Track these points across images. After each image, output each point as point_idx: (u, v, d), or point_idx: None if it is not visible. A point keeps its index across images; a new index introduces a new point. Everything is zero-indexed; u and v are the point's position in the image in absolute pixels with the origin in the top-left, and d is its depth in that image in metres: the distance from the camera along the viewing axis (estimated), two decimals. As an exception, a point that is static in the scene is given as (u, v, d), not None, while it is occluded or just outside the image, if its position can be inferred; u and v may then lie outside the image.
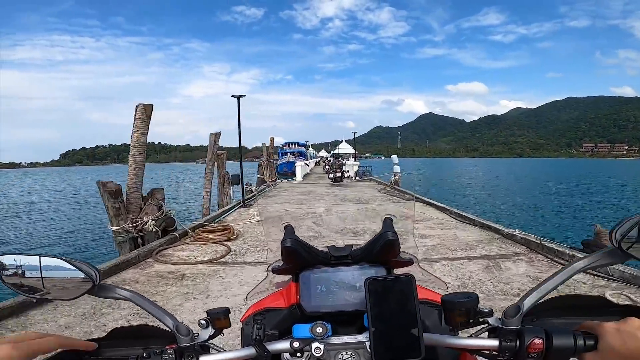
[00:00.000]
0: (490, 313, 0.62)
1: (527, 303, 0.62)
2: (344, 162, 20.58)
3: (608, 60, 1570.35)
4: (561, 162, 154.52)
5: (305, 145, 65.55)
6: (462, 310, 0.61)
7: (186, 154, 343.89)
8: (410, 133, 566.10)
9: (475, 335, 0.66)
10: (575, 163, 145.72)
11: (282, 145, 64.98)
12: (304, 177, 22.64)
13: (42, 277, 0.65)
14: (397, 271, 0.87)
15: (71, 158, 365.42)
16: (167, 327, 0.68)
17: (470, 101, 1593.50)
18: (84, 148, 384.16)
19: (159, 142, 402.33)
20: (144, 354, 0.63)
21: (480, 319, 0.62)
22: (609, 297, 3.29)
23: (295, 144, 62.34)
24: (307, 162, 33.17)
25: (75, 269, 0.65)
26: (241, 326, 0.86)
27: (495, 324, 0.62)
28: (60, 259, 0.66)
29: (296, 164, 16.16)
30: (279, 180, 19.80)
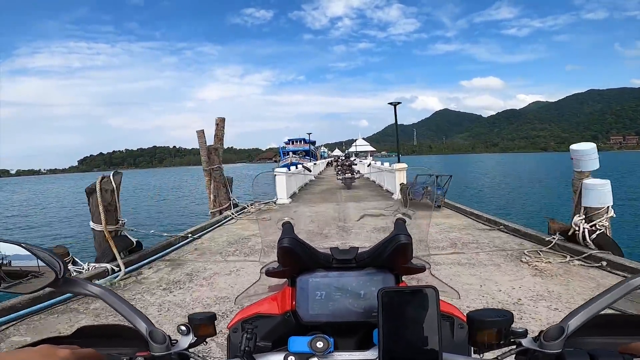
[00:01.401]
0: (525, 334, 0.56)
1: (573, 324, 0.54)
2: (354, 161, 18.86)
3: (628, 51, 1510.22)
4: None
5: (312, 143, 56.27)
6: (492, 330, 0.55)
7: (199, 157, 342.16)
8: (425, 130, 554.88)
9: (502, 358, 0.58)
10: (606, 156, 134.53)
11: (284, 143, 56.02)
12: (304, 190, 13.52)
13: None
14: (407, 278, 0.82)
15: (89, 164, 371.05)
16: (140, 331, 0.61)
17: (486, 96, 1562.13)
18: (101, 153, 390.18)
19: (174, 146, 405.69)
20: None
21: (512, 340, 0.57)
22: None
23: (300, 142, 53.39)
24: (312, 162, 27.93)
25: (35, 258, 0.57)
26: (228, 333, 0.77)
27: (529, 346, 0.55)
28: (19, 245, 0.57)
29: (276, 175, 10.26)
30: (247, 206, 9.19)
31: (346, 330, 0.71)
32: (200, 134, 8.99)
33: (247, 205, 9.21)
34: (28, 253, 0.56)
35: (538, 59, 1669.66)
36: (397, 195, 9.90)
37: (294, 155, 41.76)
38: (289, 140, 55.74)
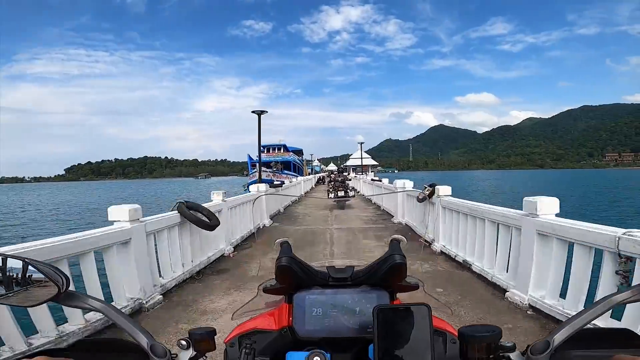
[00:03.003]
0: (513, 348, 0.59)
1: (558, 338, 0.57)
2: (348, 176, 16.54)
3: (619, 67, 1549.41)
4: (588, 173, 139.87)
5: (298, 152, 43.18)
6: (482, 344, 0.58)
7: (191, 168, 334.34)
8: (420, 145, 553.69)
9: None
10: (604, 174, 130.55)
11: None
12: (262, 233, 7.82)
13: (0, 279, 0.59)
14: (401, 295, 0.84)
15: (75, 173, 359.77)
16: (141, 345, 0.62)
17: (480, 112, 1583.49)
18: (89, 162, 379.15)
19: (165, 157, 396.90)
20: None
21: (501, 354, 0.59)
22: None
23: (278, 149, 39.01)
24: (293, 179, 19.43)
25: (39, 272, 0.59)
26: (224, 348, 0.78)
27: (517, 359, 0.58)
28: (23, 260, 0.59)
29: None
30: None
31: (342, 345, 0.73)
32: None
33: None
34: (33, 269, 0.59)
35: (531, 75, 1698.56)
36: (398, 218, 8.54)
37: (269, 171, 29.04)
38: (264, 147, 41.74)
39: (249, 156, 31.46)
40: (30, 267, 0.58)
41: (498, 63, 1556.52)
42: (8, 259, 0.59)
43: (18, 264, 0.59)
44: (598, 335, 0.65)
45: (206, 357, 0.66)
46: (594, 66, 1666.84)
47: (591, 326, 0.62)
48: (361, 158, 30.69)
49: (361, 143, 28.38)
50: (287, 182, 15.14)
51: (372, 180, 14.25)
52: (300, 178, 22.82)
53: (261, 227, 8.42)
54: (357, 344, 0.73)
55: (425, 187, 6.37)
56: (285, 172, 32.60)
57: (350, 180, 15.06)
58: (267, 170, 29.40)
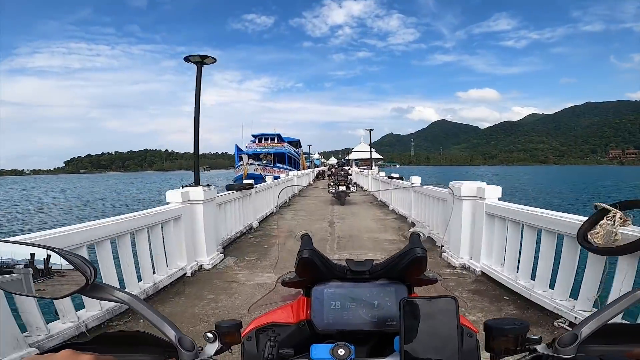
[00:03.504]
0: (539, 340, 0.59)
1: (586, 331, 0.57)
2: (349, 170, 15.09)
3: (622, 64, 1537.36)
4: (594, 170, 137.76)
5: (295, 143, 38.09)
6: (510, 337, 0.59)
7: (191, 161, 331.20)
8: (422, 140, 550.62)
9: None
10: (609, 171, 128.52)
11: (250, 141, 33.60)
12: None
13: (28, 270, 0.58)
14: (418, 289, 0.85)
15: (75, 165, 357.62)
16: (168, 338, 0.61)
17: (482, 108, 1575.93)
18: (89, 155, 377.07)
19: (166, 150, 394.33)
20: None
21: (528, 346, 0.59)
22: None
23: (272, 139, 33.64)
24: (289, 174, 15.62)
25: (67, 263, 0.57)
26: (241, 341, 0.77)
27: (544, 352, 0.59)
28: (52, 250, 0.58)
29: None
30: None
31: (360, 339, 0.73)
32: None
33: None
34: (61, 259, 0.57)
35: (534, 71, 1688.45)
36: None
37: (251, 162, 24.54)
38: (255, 136, 34.32)
39: (237, 147, 27.72)
40: (57, 257, 0.57)
41: (501, 59, 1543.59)
42: (32, 247, 0.58)
43: (45, 254, 0.57)
44: (623, 330, 0.65)
45: (232, 349, 0.66)
46: (598, 63, 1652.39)
47: (616, 322, 0.62)
48: (370, 151, 25.65)
49: (370, 130, 22.30)
50: (282, 177, 12.46)
51: (389, 177, 11.25)
52: (292, 173, 18.49)
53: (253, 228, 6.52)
54: (375, 337, 0.73)
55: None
56: (279, 165, 28.65)
57: (351, 175, 13.98)
58: (256, 163, 25.24)
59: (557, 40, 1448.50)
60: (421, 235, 0.83)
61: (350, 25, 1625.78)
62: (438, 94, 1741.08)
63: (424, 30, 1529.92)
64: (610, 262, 2.51)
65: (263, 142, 33.24)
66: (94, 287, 0.60)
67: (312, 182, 22.40)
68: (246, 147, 31.25)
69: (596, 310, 0.63)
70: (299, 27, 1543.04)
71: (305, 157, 49.73)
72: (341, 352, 0.58)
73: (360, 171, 25.93)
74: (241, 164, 24.32)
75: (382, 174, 13.01)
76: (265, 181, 10.41)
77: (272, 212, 8.65)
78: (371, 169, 31.33)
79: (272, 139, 33.69)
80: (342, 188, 10.53)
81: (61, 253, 0.57)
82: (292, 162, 33.60)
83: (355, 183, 12.94)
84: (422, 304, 0.56)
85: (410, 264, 0.74)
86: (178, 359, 0.59)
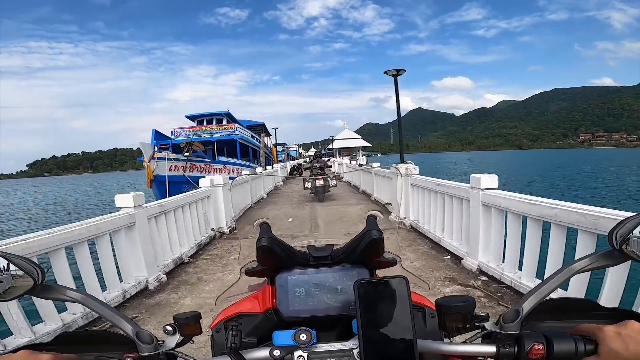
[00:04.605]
0: (487, 318, 0.61)
1: (526, 307, 0.59)
2: (327, 161, 14.33)
3: (587, 52, 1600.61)
4: (566, 153, 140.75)
5: (258, 128, 26.94)
6: (458, 314, 0.60)
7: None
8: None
9: (470, 341, 0.63)
10: (580, 153, 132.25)
11: (174, 130, 20.90)
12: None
13: None
14: (380, 272, 0.84)
15: (39, 168, 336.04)
16: (125, 333, 0.61)
17: (456, 96, 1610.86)
18: (54, 157, 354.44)
19: (138, 148, 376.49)
20: None
21: (477, 324, 0.61)
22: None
23: (218, 120, 22.71)
24: (250, 172, 11.68)
25: (13, 266, 0.56)
26: (210, 334, 0.79)
27: (492, 329, 0.60)
28: None
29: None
30: None
31: (326, 324, 0.74)
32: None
33: None
34: (5, 261, 0.56)
35: (503, 59, 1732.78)
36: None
37: (164, 157, 14.84)
38: (192, 118, 23.49)
39: (155, 133, 18.01)
40: (2, 260, 0.56)
41: (473, 48, 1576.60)
42: None
43: None
44: (563, 306, 0.66)
45: (193, 341, 0.66)
46: (563, 51, 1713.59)
47: (556, 296, 0.64)
48: (345, 140, 21.22)
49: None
50: (208, 182, 6.40)
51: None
52: (245, 172, 13.05)
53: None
54: (341, 321, 0.74)
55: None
56: (222, 160, 19.06)
57: (330, 167, 13.23)
58: (178, 159, 15.35)
59: (525, 29, 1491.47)
60: (378, 217, 0.84)
61: (325, 17, 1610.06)
62: (414, 83, 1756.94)
63: (398, 20, 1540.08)
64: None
65: (205, 124, 22.27)
66: (44, 288, 0.59)
67: (281, 184, 14.94)
68: (173, 133, 20.25)
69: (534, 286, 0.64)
70: (274, 19, 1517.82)
71: (278, 149, 41.02)
72: (303, 337, 0.59)
73: (342, 161, 21.40)
74: (163, 162, 14.55)
75: (377, 165, 10.87)
76: (197, 187, 6.48)
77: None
78: (356, 158, 26.52)
79: (218, 121, 22.43)
80: (319, 182, 9.03)
81: (5, 255, 0.56)
82: (252, 154, 24.15)
83: (336, 175, 11.70)
84: (375, 285, 0.57)
85: (368, 246, 0.73)
86: (138, 353, 0.59)
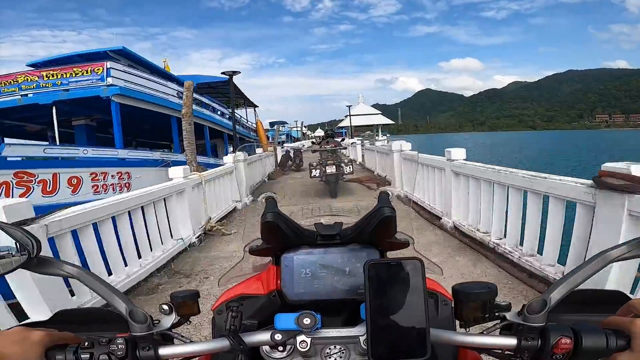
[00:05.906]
0: (509, 307, 0.57)
1: (555, 297, 0.53)
2: (341, 141, 11.29)
3: (601, 34, 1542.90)
4: (584, 134, 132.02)
5: (217, 86, 15.90)
6: (477, 303, 0.56)
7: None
8: (408, 110, 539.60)
9: (487, 332, 0.58)
10: (600, 135, 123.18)
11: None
12: None
13: None
14: (391, 254, 0.78)
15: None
16: (118, 311, 0.58)
17: (464, 77, 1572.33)
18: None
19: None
20: (87, 343, 0.54)
21: (497, 314, 0.57)
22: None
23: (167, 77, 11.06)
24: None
25: (7, 236, 0.53)
26: (212, 315, 0.76)
27: (514, 320, 0.55)
28: None
29: None
30: None
31: (332, 308, 0.69)
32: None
33: None
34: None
35: (515, 40, 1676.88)
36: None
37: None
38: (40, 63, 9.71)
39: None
40: None
41: (482, 29, 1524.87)
42: None
43: None
44: (592, 298, 0.62)
45: (190, 321, 0.63)
46: (577, 33, 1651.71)
47: (584, 287, 0.59)
48: (361, 116, 15.27)
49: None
50: None
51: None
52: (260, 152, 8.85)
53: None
54: (347, 306, 0.69)
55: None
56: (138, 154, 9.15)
57: (345, 148, 11.43)
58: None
59: (537, 11, 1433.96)
60: (390, 193, 0.77)
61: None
62: (421, 64, 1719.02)
63: (405, 1, 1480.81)
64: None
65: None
66: (40, 262, 0.56)
67: (248, 201, 7.58)
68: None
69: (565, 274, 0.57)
70: (277, 1, 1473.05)
71: (278, 129, 28.90)
72: (307, 321, 0.55)
73: (362, 142, 16.22)
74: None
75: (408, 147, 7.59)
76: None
77: None
78: (377, 138, 20.16)
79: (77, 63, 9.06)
80: (331, 169, 7.18)
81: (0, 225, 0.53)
82: (217, 138, 15.62)
83: (351, 160, 8.67)
84: (388, 267, 0.53)
85: (379, 224, 0.67)
86: (131, 332, 0.56)
